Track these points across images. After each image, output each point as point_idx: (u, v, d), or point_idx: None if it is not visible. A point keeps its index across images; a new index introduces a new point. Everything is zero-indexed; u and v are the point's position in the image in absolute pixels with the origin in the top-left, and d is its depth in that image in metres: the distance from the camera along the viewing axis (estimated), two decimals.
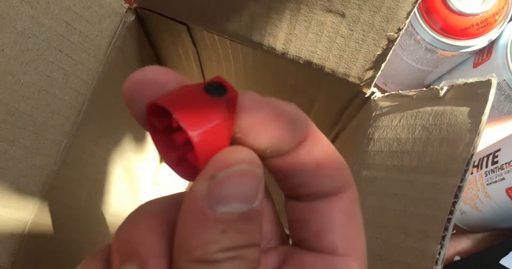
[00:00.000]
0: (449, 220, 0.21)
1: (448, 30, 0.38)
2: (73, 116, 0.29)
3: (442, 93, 0.25)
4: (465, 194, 0.46)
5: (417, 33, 0.40)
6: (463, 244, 0.51)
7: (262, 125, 0.14)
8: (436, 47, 0.40)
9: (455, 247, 0.51)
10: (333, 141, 0.44)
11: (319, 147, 0.16)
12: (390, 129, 0.27)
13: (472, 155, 0.22)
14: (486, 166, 0.44)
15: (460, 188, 0.21)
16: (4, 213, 0.26)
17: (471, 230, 0.51)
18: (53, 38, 0.27)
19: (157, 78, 0.15)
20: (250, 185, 0.13)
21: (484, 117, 0.22)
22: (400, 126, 0.27)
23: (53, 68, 0.27)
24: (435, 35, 0.39)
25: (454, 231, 0.51)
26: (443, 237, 0.21)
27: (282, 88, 0.38)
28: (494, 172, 0.42)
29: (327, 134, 0.43)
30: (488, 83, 0.22)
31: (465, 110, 0.23)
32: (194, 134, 0.13)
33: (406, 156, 0.25)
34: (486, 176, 0.43)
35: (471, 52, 0.41)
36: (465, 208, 0.47)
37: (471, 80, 0.23)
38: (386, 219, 0.25)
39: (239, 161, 0.13)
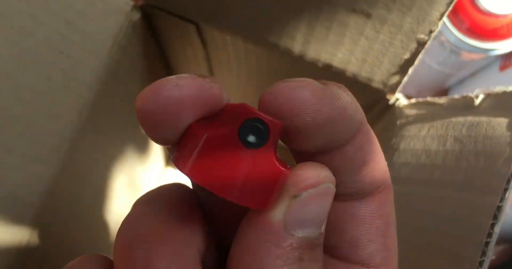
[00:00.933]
0: (487, 243, 0.19)
1: (476, 31, 0.36)
2: (74, 120, 0.27)
3: (477, 102, 0.22)
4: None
5: (442, 34, 0.38)
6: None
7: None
8: (461, 49, 0.37)
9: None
10: None
11: (368, 145, 0.14)
12: (418, 140, 0.25)
13: None
14: None
15: (499, 208, 0.19)
16: (1, 223, 0.24)
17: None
18: (53, 37, 0.25)
19: (193, 96, 0.12)
20: (328, 205, 0.12)
21: None
22: (429, 137, 0.24)
23: (53, 69, 0.25)
24: (460, 36, 0.36)
25: (494, 256, 0.48)
26: (481, 263, 0.19)
27: None
28: None
29: None
30: None
31: (503, 121, 0.21)
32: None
33: (436, 170, 0.23)
34: None
35: (497, 55, 0.39)
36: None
37: (511, 88, 0.21)
38: (414, 238, 0.23)
39: (324, 180, 0.12)
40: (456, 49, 0.38)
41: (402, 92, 0.50)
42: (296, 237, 0.11)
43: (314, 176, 0.12)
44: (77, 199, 0.31)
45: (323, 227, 0.12)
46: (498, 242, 0.49)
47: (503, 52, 0.37)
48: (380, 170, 0.15)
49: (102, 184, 0.35)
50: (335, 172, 0.13)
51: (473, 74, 0.45)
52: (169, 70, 0.40)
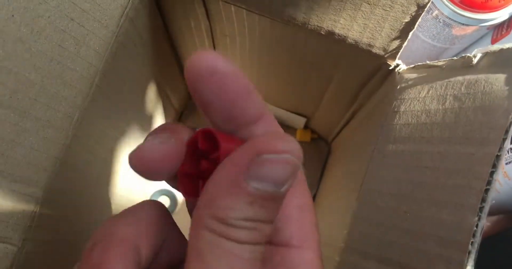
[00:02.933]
0: (487, 190, 0.20)
1: (468, 3, 0.37)
2: (85, 88, 0.28)
3: (475, 61, 0.24)
4: None
5: (435, 7, 0.39)
6: None
7: None
8: (455, 21, 0.38)
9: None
10: (348, 120, 0.43)
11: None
12: (418, 101, 0.26)
13: (511, 122, 0.21)
14: None
15: (498, 157, 0.20)
16: (15, 188, 0.25)
17: (488, 213, 0.50)
18: (65, 5, 0.25)
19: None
20: (287, 173, 0.15)
21: None
22: (428, 97, 0.26)
23: (65, 37, 0.26)
24: (454, 8, 0.37)
25: (494, 201, 0.50)
26: (481, 209, 0.20)
27: (298, 65, 0.37)
28: None
29: (343, 112, 0.42)
30: None
31: (501, 77, 0.22)
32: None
33: (436, 128, 0.24)
34: (505, 155, 0.42)
35: (489, 27, 0.40)
36: None
37: (507, 45, 0.22)
38: (415, 193, 0.24)
39: (288, 151, 0.14)
40: (449, 22, 0.39)
41: None
42: (251, 186, 0.14)
43: (280, 145, 0.15)
44: (86, 169, 0.32)
45: (285, 187, 0.15)
46: (493, 213, 0.50)
47: (495, 23, 0.38)
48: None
49: (109, 157, 0.36)
50: None
51: (466, 48, 0.47)
52: (172, 45, 0.41)
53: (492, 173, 0.20)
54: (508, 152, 0.42)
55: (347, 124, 0.44)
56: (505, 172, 0.42)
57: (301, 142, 0.52)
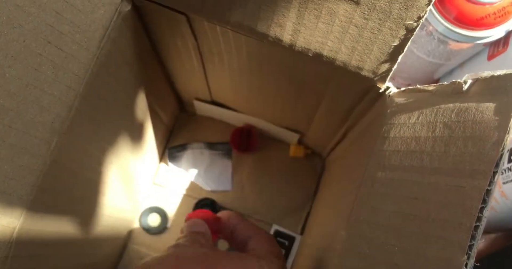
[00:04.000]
0: (476, 227, 0.19)
1: (463, 20, 0.36)
2: (63, 112, 0.27)
3: (465, 87, 0.23)
4: None
5: (429, 24, 0.38)
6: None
7: None
8: (449, 38, 0.38)
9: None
10: (341, 139, 0.42)
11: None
12: (408, 127, 0.25)
13: (502, 155, 0.20)
14: (502, 164, 0.42)
15: (488, 192, 0.19)
16: None
17: (485, 231, 0.49)
18: (41, 28, 0.25)
19: None
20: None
21: None
22: (418, 124, 0.25)
23: (42, 60, 0.25)
24: (448, 26, 0.36)
25: (483, 240, 0.49)
26: (470, 247, 0.19)
27: (288, 83, 0.36)
28: (510, 170, 0.40)
29: (335, 131, 0.41)
30: None
31: (492, 105, 0.21)
32: None
33: (426, 157, 0.23)
34: (502, 174, 0.41)
35: (485, 44, 0.39)
36: None
37: (498, 72, 0.21)
38: (404, 226, 0.23)
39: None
40: (444, 39, 0.38)
41: (392, 84, 0.50)
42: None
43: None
44: (68, 193, 0.31)
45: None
46: (491, 231, 0.49)
47: (490, 41, 0.37)
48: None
49: (94, 177, 0.35)
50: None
51: (462, 64, 0.46)
52: (160, 62, 0.40)
53: (482, 209, 0.19)
54: (505, 171, 0.41)
55: (340, 141, 0.43)
56: (502, 191, 0.41)
57: (295, 158, 0.51)
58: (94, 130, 0.32)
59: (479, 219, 0.19)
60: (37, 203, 0.27)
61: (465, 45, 0.39)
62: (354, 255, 0.25)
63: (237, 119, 0.51)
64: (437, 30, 0.38)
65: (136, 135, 0.41)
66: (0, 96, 0.24)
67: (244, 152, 0.51)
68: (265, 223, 0.50)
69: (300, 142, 0.51)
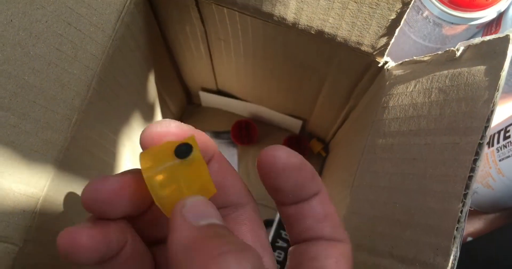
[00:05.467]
0: (470, 177, 0.21)
1: (457, 2, 0.38)
2: (82, 91, 0.29)
3: (458, 54, 0.24)
4: None
5: (425, 8, 0.39)
6: (476, 225, 0.51)
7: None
8: (444, 21, 0.39)
9: (467, 228, 0.50)
10: (343, 121, 0.44)
11: (327, 202, 0.20)
12: (406, 96, 0.27)
13: (492, 111, 0.21)
14: (498, 142, 0.43)
15: (480, 145, 0.21)
16: (15, 188, 0.26)
17: (483, 211, 0.51)
18: (62, 10, 0.26)
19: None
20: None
21: (503, 73, 0.21)
22: (415, 92, 0.26)
23: (62, 40, 0.27)
24: (443, 8, 0.38)
25: (470, 238, 0.50)
26: (465, 195, 0.21)
27: (292, 66, 0.37)
28: (506, 147, 0.42)
29: (337, 113, 0.43)
30: (506, 39, 0.22)
31: (482, 68, 0.23)
32: None
33: (423, 120, 0.25)
34: (498, 152, 0.43)
35: (479, 26, 0.41)
36: (477, 187, 0.47)
37: (488, 37, 0.23)
38: (404, 184, 0.24)
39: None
40: (440, 22, 0.40)
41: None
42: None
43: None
44: (85, 171, 0.33)
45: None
46: (489, 211, 0.51)
47: (483, 22, 0.39)
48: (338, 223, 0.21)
49: (109, 159, 0.37)
50: (301, 221, 0.20)
51: None
52: (168, 49, 0.42)
53: (475, 161, 0.21)
54: (501, 148, 0.43)
55: (342, 124, 0.44)
56: (499, 168, 0.43)
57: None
58: (108, 111, 0.34)
59: (472, 169, 0.21)
60: (59, 177, 0.29)
61: (459, 28, 0.41)
62: (358, 216, 0.27)
63: (242, 108, 0.53)
64: (432, 14, 0.39)
65: (146, 120, 0.43)
66: (24, 73, 0.25)
67: (247, 145, 0.53)
68: (271, 209, 0.52)
69: (303, 129, 0.53)
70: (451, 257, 0.20)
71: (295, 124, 0.51)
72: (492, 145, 0.44)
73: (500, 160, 0.43)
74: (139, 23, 0.33)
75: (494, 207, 0.50)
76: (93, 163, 0.34)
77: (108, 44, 0.30)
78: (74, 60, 0.28)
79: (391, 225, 0.24)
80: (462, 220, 0.20)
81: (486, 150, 0.45)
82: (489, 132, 0.22)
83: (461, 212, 0.21)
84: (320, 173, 0.53)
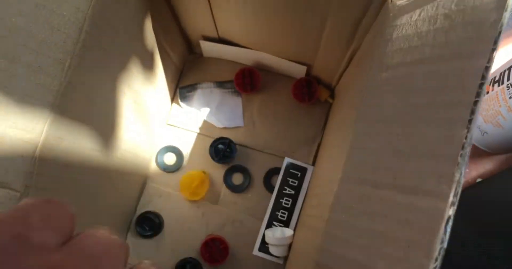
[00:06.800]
0: (475, 102, 0.20)
1: None
2: (74, 33, 0.28)
3: None
4: (486, 111, 0.45)
5: None
6: (486, 166, 0.50)
7: None
8: None
9: (477, 169, 0.50)
10: (348, 64, 0.42)
11: None
12: (410, 26, 0.26)
13: (500, 32, 0.20)
14: (508, 79, 0.42)
15: (487, 68, 0.20)
16: (12, 133, 0.26)
17: (493, 152, 0.50)
18: None
19: None
20: None
21: None
22: (420, 20, 0.25)
23: None
24: None
25: (480, 179, 0.49)
26: (470, 121, 0.20)
27: (292, 6, 0.36)
28: None
29: (341, 55, 0.41)
30: None
31: None
32: None
33: (427, 48, 0.24)
34: (508, 89, 0.42)
35: None
36: (487, 127, 0.46)
37: None
38: (408, 115, 0.24)
39: None
40: None
41: None
42: None
43: None
44: (86, 118, 0.32)
45: None
46: (500, 151, 0.50)
47: None
48: None
49: (109, 107, 0.36)
50: None
51: None
52: None
53: (481, 85, 0.20)
54: (510, 86, 0.41)
55: (347, 68, 0.43)
56: (509, 106, 0.41)
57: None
58: (105, 56, 0.33)
59: (477, 94, 0.20)
60: (57, 123, 0.28)
61: None
62: (361, 151, 0.26)
63: (244, 56, 0.51)
64: None
65: (147, 69, 0.42)
66: (11, 14, 0.25)
67: (251, 92, 0.52)
68: (277, 157, 0.51)
69: (308, 75, 0.51)
70: (454, 184, 0.19)
71: (299, 70, 0.50)
72: (502, 83, 0.43)
73: (510, 98, 0.41)
74: None
75: (504, 147, 0.49)
76: (92, 109, 0.33)
77: None
78: (63, 1, 0.27)
79: (394, 157, 0.23)
80: (466, 146, 0.20)
81: (496, 88, 0.44)
82: (495, 55, 0.20)
83: (466, 138, 0.20)
84: (326, 119, 0.52)
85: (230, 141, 0.50)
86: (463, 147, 0.20)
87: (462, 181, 0.20)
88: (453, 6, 0.23)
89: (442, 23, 0.23)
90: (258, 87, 0.51)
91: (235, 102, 0.52)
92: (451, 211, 0.19)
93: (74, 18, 0.28)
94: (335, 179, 0.29)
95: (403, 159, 0.23)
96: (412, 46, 0.25)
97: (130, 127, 0.41)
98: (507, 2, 0.20)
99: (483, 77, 0.20)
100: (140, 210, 0.50)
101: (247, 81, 0.51)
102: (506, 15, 0.20)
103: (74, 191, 0.34)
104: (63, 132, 0.30)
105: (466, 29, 0.22)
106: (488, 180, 0.48)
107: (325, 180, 0.38)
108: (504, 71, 0.43)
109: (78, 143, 0.32)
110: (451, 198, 0.19)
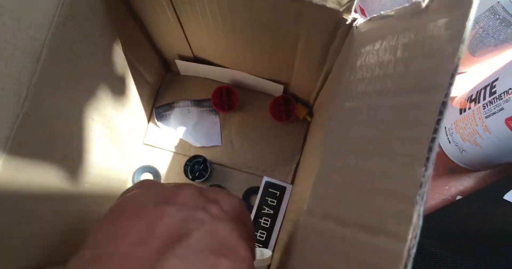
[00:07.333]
0: (433, 139, 0.19)
1: None
2: (31, 64, 0.27)
3: (424, 5, 0.22)
4: (464, 130, 0.44)
5: None
6: (465, 183, 0.50)
7: None
8: None
9: (457, 187, 0.49)
10: (323, 84, 0.42)
11: None
12: (372, 54, 0.25)
13: (457, 66, 0.19)
14: (484, 98, 0.41)
15: (444, 103, 0.19)
16: None
17: (473, 169, 0.50)
18: None
19: None
20: None
21: (469, 23, 0.19)
22: (382, 49, 0.24)
23: (1, 11, 0.25)
24: None
25: (459, 197, 0.49)
26: (427, 159, 0.19)
27: (263, 28, 0.35)
28: (492, 104, 0.40)
29: (316, 76, 0.41)
30: None
31: (448, 19, 0.21)
32: None
33: (389, 79, 0.23)
34: (484, 108, 0.41)
35: None
36: (465, 145, 0.45)
37: None
38: (370, 149, 0.23)
39: None
40: None
41: (368, 14, 0.49)
42: None
43: None
44: (47, 147, 0.31)
45: None
46: (479, 168, 0.49)
47: None
48: None
49: (76, 134, 0.35)
50: None
51: None
52: (134, 17, 0.40)
53: (438, 121, 0.19)
54: (487, 105, 0.41)
55: (322, 86, 0.43)
56: (485, 125, 0.41)
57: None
58: (69, 84, 0.32)
59: (435, 131, 0.19)
60: (15, 155, 0.27)
61: None
62: (325, 183, 0.26)
63: (221, 75, 0.51)
64: None
65: (118, 92, 0.41)
66: None
67: (228, 111, 0.51)
68: (256, 176, 0.51)
69: (285, 93, 0.51)
70: (412, 225, 0.19)
71: (277, 88, 0.50)
72: (479, 102, 0.42)
73: (486, 117, 0.41)
74: None
75: (483, 165, 0.48)
76: (57, 139, 0.32)
77: (57, 11, 0.28)
78: (17, 30, 0.26)
79: (358, 193, 0.23)
80: (424, 185, 0.19)
81: (472, 107, 0.43)
82: (451, 90, 0.20)
83: (424, 176, 0.19)
84: (305, 138, 0.51)
85: (205, 159, 0.49)
86: (421, 186, 0.19)
87: (421, 222, 0.19)
88: (412, 36, 0.22)
89: (403, 53, 0.23)
90: (236, 106, 0.51)
91: (213, 121, 0.52)
92: (410, 254, 0.19)
93: (30, 48, 0.27)
94: (300, 210, 0.28)
95: (367, 196, 0.22)
96: (375, 76, 0.24)
97: (101, 152, 0.40)
98: (463, 34, 0.20)
99: (441, 112, 0.19)
100: None
101: (224, 100, 0.50)
102: (463, 48, 0.20)
103: (41, 222, 0.33)
104: (24, 164, 0.29)
105: (425, 60, 0.21)
106: (467, 198, 0.48)
107: (298, 202, 0.37)
108: (481, 89, 0.42)
109: (40, 174, 0.31)
110: (408, 242, 0.18)
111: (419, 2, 0.23)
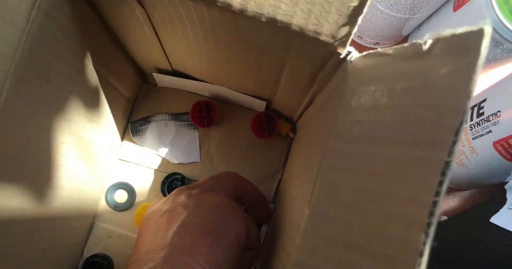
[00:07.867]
0: (435, 203, 0.18)
1: None
2: None
3: (426, 47, 0.21)
4: None
5: None
6: (450, 203, 0.49)
7: None
8: None
9: (442, 206, 0.49)
10: (309, 104, 0.40)
11: None
12: (368, 96, 0.23)
13: (462, 122, 0.18)
14: (471, 119, 0.41)
15: (447, 163, 0.18)
16: None
17: (458, 188, 0.49)
18: None
19: None
20: None
21: (475, 76, 0.18)
22: (379, 91, 0.23)
23: None
24: None
25: (445, 217, 0.48)
26: (429, 225, 0.18)
27: (247, 49, 0.33)
28: (480, 125, 0.39)
29: (301, 96, 0.39)
30: (480, 33, 0.18)
31: (453, 67, 0.19)
32: None
33: (385, 127, 0.22)
34: (471, 130, 0.40)
35: None
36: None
37: (459, 30, 0.19)
38: (364, 203, 0.21)
39: None
40: None
41: (360, 42, 0.48)
42: None
43: None
44: (9, 176, 0.29)
45: None
46: (465, 188, 0.49)
47: None
48: None
49: (42, 160, 0.33)
50: None
51: (429, 18, 0.44)
52: (109, 32, 0.37)
53: (441, 183, 0.18)
54: (474, 126, 0.40)
55: (308, 106, 0.41)
56: (472, 147, 0.40)
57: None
58: (38, 111, 0.29)
59: (437, 193, 0.18)
60: None
61: None
62: (315, 235, 0.24)
63: (201, 88, 0.49)
64: None
65: (91, 111, 0.38)
66: None
67: (208, 127, 0.49)
68: None
69: (268, 109, 0.49)
70: None
71: (259, 104, 0.48)
72: (465, 122, 0.41)
73: (473, 139, 0.40)
74: (64, 8, 0.29)
75: (469, 185, 0.48)
76: (18, 166, 0.30)
77: (22, 38, 0.25)
78: None
79: (348, 251, 0.21)
80: (424, 254, 0.18)
81: None
82: (457, 148, 0.19)
83: (424, 244, 0.18)
84: (287, 155, 0.50)
85: (183, 177, 0.48)
86: (420, 255, 0.18)
87: None
88: (411, 82, 0.21)
89: (401, 100, 0.21)
90: (215, 121, 0.49)
91: (192, 136, 0.50)
92: None
93: None
94: (289, 256, 0.26)
95: (358, 256, 0.20)
96: (370, 121, 0.23)
97: (72, 176, 0.38)
98: (470, 88, 0.18)
99: (443, 173, 0.18)
100: (87, 254, 0.46)
101: (204, 115, 0.48)
102: (469, 103, 0.18)
103: (9, 251, 0.30)
104: None
105: (426, 110, 0.20)
106: (452, 219, 0.47)
107: (287, 226, 0.35)
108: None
109: (8, 201, 0.29)
110: None
111: (420, 44, 0.21)
